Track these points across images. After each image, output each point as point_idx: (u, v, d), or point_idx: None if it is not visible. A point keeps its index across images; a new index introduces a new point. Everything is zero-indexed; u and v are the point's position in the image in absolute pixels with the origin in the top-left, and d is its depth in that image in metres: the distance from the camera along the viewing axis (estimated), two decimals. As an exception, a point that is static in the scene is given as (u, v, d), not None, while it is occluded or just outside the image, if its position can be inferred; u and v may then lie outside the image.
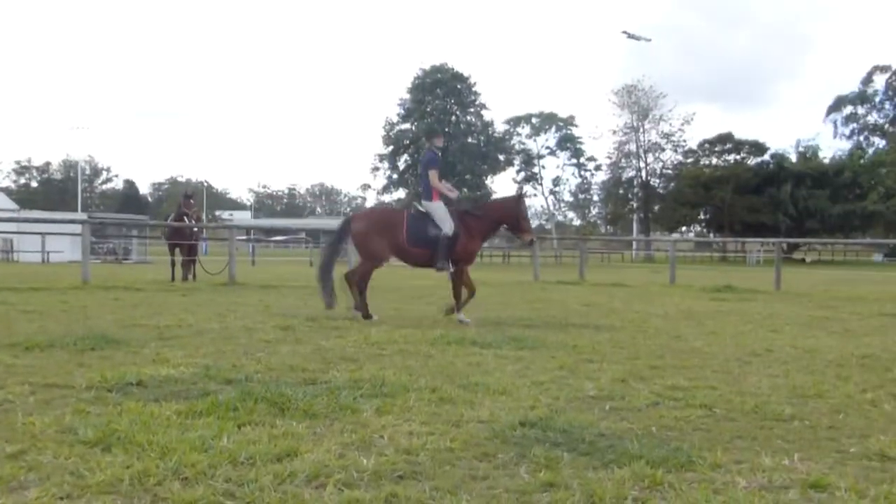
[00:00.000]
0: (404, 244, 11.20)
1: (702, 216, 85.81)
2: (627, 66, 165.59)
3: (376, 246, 11.28)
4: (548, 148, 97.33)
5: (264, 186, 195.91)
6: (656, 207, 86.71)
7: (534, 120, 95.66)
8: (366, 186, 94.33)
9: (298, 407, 5.05)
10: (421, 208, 11.38)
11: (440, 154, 11.91)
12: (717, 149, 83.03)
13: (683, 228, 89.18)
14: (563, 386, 6.21)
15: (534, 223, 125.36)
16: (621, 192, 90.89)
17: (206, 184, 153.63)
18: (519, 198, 11.66)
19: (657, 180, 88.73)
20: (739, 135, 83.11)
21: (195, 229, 22.57)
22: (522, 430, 4.69)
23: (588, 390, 6.04)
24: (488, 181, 79.75)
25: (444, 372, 6.76)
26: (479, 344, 8.58)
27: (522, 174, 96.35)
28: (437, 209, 11.17)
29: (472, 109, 78.33)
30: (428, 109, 75.29)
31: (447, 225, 11.03)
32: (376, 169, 79.24)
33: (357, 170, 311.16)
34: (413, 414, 5.07)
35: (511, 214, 11.42)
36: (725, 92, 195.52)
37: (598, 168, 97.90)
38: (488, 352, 8.08)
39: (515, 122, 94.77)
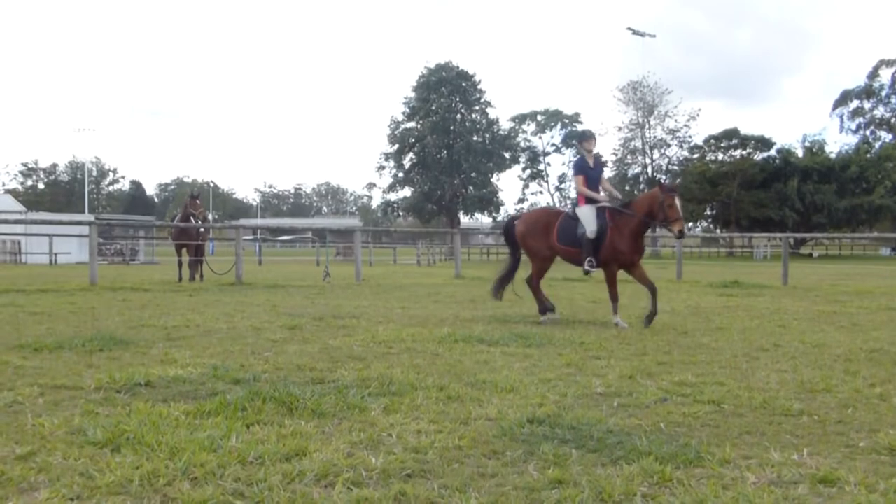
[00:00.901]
0: (555, 243, 11.31)
1: (708, 212, 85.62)
2: (632, 63, 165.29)
3: (536, 245, 11.52)
4: (553, 145, 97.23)
5: (270, 186, 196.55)
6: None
7: (539, 117, 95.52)
8: (371, 185, 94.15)
9: (307, 406, 5.06)
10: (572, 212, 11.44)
11: (595, 156, 11.52)
12: (722, 144, 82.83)
13: (690, 224, 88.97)
14: (571, 383, 6.20)
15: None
16: (627, 188, 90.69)
17: (212, 184, 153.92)
18: (661, 188, 10.87)
19: (663, 176, 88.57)
20: (745, 130, 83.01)
21: (202, 230, 22.60)
22: (530, 427, 4.69)
23: (596, 387, 6.03)
24: (494, 179, 79.80)
25: (451, 370, 6.76)
26: (487, 342, 8.58)
27: (528, 171, 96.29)
28: (583, 212, 11.10)
29: (477, 107, 78.31)
30: (433, 108, 75.27)
31: (591, 226, 10.94)
32: (382, 167, 79.29)
33: (363, 169, 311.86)
34: (421, 412, 5.07)
35: (657, 207, 10.79)
36: (730, 87, 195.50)
37: (603, 164, 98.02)
38: (496, 349, 8.07)
39: (520, 119, 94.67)
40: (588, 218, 11.02)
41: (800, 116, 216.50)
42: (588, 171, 11.28)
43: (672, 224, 10.58)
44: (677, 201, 10.48)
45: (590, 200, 11.13)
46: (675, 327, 10.47)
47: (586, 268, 11.03)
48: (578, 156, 11.72)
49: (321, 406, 5.07)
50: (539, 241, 11.49)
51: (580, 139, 11.82)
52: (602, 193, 11.35)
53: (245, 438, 4.32)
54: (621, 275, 11.24)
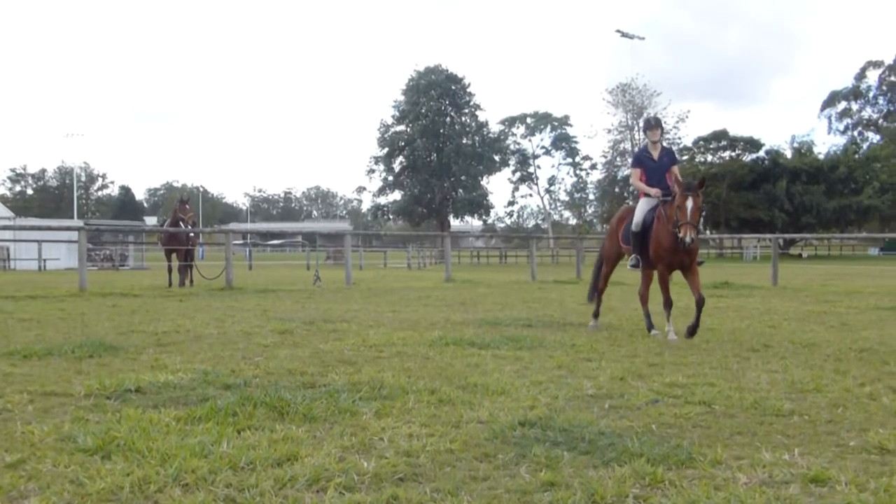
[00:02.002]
0: (620, 242, 10.65)
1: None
2: (621, 65, 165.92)
3: (609, 245, 10.97)
4: (543, 148, 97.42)
5: (260, 190, 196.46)
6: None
7: (528, 120, 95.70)
8: (361, 189, 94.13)
9: (298, 411, 5.05)
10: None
11: (663, 147, 10.33)
12: (711, 146, 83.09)
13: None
14: (562, 385, 6.21)
15: (529, 223, 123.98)
16: (617, 190, 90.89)
17: (201, 189, 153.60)
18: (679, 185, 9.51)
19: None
20: (734, 131, 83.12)
21: (191, 234, 22.54)
22: (522, 429, 4.69)
23: (587, 389, 6.04)
24: (484, 182, 79.74)
25: (442, 373, 6.76)
26: (478, 345, 8.58)
27: (518, 174, 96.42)
28: (637, 206, 10.27)
29: (466, 110, 78.29)
30: (422, 111, 75.21)
31: (637, 217, 10.11)
32: (371, 171, 79.12)
33: (353, 173, 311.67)
34: (412, 416, 5.07)
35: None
36: (719, 89, 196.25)
37: (593, 167, 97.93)
38: (486, 352, 8.08)
39: (510, 122, 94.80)
40: (638, 211, 10.17)
41: (788, 118, 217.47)
42: (647, 162, 10.20)
43: (679, 228, 9.21)
44: (690, 202, 9.17)
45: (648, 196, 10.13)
46: (666, 328, 10.48)
47: (630, 264, 10.25)
48: (640, 147, 10.74)
49: (312, 410, 5.06)
50: (611, 241, 10.89)
51: (644, 128, 10.71)
52: (655, 190, 9.98)
53: (236, 444, 4.30)
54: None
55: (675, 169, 10.14)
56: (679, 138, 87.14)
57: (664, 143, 10.43)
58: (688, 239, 9.06)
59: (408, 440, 4.46)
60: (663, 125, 10.67)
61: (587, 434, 4.58)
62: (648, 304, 10.60)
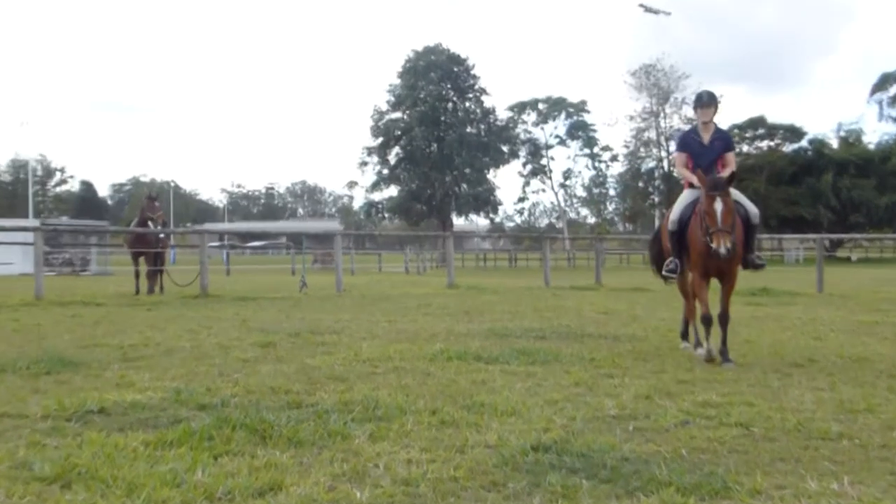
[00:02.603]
0: (665, 241, 9.85)
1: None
2: (645, 45, 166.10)
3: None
4: (557, 137, 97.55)
5: (239, 186, 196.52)
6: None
7: (540, 106, 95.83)
8: (353, 184, 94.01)
9: (282, 434, 5.04)
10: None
11: (716, 129, 9.55)
12: (748, 134, 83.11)
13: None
14: (580, 405, 6.20)
15: (542, 222, 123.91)
16: (640, 185, 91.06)
17: (172, 184, 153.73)
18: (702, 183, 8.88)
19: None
20: (773, 118, 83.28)
21: (161, 235, 22.55)
22: (535, 455, 4.68)
23: (608, 409, 6.03)
24: (490, 175, 79.79)
25: (445, 391, 6.75)
26: (484, 359, 8.57)
27: (529, 167, 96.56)
28: (678, 200, 9.68)
29: (470, 95, 78.36)
30: (421, 96, 75.31)
31: (673, 214, 9.50)
32: (364, 164, 79.21)
33: (343, 166, 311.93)
34: (411, 439, 5.06)
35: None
36: (755, 71, 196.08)
37: (613, 159, 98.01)
38: (494, 367, 8.07)
39: (520, 108, 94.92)
40: (676, 205, 9.57)
41: (834, 103, 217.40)
42: (694, 147, 9.53)
43: (710, 236, 8.49)
44: (719, 205, 8.43)
45: (693, 186, 9.33)
46: (697, 341, 10.47)
47: (664, 273, 9.66)
48: (687, 129, 10.03)
49: (298, 434, 5.06)
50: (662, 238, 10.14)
51: (694, 104, 9.82)
52: (699, 175, 9.10)
53: (212, 471, 4.30)
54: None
55: (731, 156, 9.54)
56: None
57: (718, 125, 9.63)
58: (722, 250, 8.27)
59: (406, 467, 4.45)
60: (718, 102, 9.70)
61: (609, 460, 4.57)
62: (694, 317, 9.70)
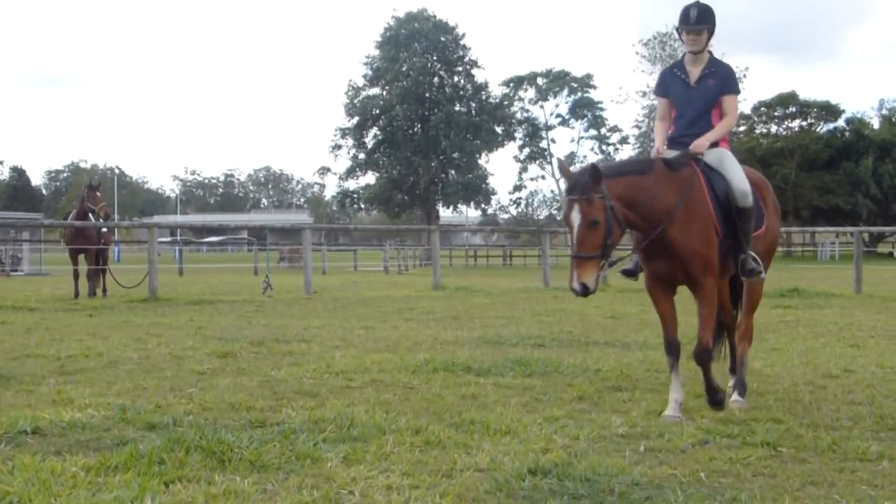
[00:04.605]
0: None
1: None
2: (658, 10, 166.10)
3: None
4: (559, 116, 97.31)
5: (193, 173, 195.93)
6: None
7: (540, 81, 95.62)
8: (324, 170, 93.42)
9: (243, 457, 5.05)
10: None
11: (710, 60, 7.62)
12: (776, 113, 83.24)
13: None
14: (584, 422, 6.22)
15: (541, 213, 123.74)
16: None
17: (117, 171, 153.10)
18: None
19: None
20: (804, 94, 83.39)
21: (104, 230, 22.47)
22: (533, 479, 4.70)
23: (616, 427, 6.05)
24: (482, 160, 79.75)
25: (429, 408, 6.76)
26: (475, 370, 8.59)
27: (526, 150, 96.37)
28: None
29: (459, 68, 78.29)
30: (403, 69, 75.16)
31: None
32: (337, 147, 79.01)
33: (313, 149, 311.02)
34: (391, 462, 5.07)
35: None
36: (784, 40, 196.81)
37: (623, 141, 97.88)
38: (486, 380, 8.09)
39: (517, 83, 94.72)
40: None
41: (874, 77, 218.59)
42: (677, 89, 7.70)
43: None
44: (576, 218, 6.49)
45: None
46: (718, 349, 10.52)
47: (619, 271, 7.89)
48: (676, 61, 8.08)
49: (262, 457, 5.06)
50: None
51: (679, 23, 7.60)
52: (658, 144, 7.65)
53: (163, 500, 4.30)
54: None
55: (731, 102, 7.61)
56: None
57: (713, 55, 7.72)
58: (575, 285, 6.44)
59: (385, 494, 4.47)
60: (714, 21, 7.55)
61: (616, 485, 4.59)
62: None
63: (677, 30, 7.67)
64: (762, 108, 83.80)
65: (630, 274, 7.55)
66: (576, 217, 6.45)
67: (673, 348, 7.01)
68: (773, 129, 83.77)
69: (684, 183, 6.89)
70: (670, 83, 7.73)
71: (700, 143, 7.24)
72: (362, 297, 21.39)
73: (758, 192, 7.51)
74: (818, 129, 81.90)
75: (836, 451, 5.41)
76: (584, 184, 6.47)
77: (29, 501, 4.24)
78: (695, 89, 7.52)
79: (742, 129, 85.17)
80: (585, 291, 6.38)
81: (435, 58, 77.13)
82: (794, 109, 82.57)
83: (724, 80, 7.52)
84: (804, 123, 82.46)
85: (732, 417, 6.38)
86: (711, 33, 7.50)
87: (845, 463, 5.15)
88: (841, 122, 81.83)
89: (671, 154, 7.32)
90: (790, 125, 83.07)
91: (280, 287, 24.02)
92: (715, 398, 6.82)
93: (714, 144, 7.37)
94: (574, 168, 6.77)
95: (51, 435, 5.76)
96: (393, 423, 6.05)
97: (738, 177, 7.20)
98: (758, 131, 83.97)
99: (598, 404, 6.94)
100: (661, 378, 8.27)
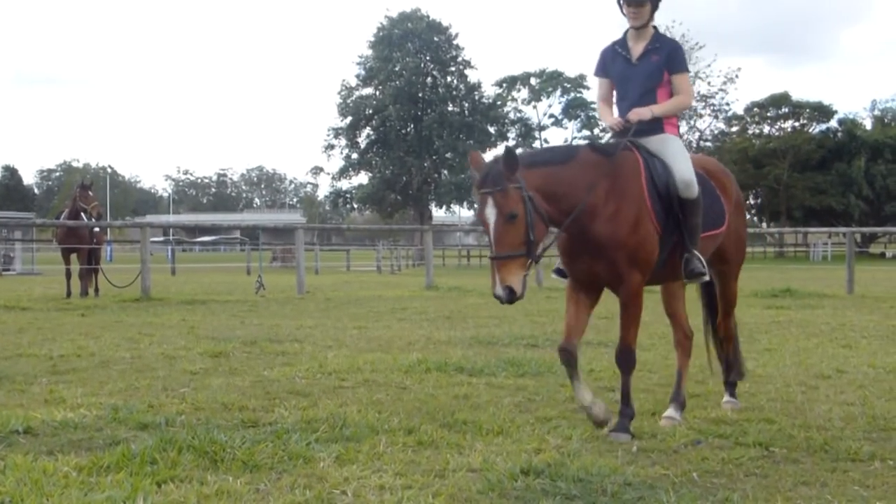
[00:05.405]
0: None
1: (751, 200, 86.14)
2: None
3: None
4: (552, 117, 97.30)
5: (186, 173, 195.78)
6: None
7: (533, 81, 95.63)
8: (317, 170, 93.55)
9: (235, 457, 5.04)
10: None
11: (649, 35, 7.04)
12: (769, 114, 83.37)
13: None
14: (577, 422, 6.22)
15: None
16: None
17: (109, 170, 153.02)
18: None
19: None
20: (797, 95, 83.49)
21: (96, 229, 22.44)
22: (525, 479, 4.70)
23: (609, 427, 6.05)
24: (476, 160, 79.63)
25: (422, 408, 6.76)
26: (468, 371, 8.58)
27: (520, 150, 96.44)
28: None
29: (453, 69, 78.30)
30: (396, 69, 75.15)
31: None
32: (330, 147, 78.98)
33: (306, 149, 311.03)
34: (384, 463, 5.07)
35: None
36: (776, 41, 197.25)
37: (674, 57, 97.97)
38: (479, 380, 8.09)
39: (509, 83, 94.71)
40: None
41: (866, 78, 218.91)
42: (618, 68, 7.10)
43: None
44: (491, 214, 5.92)
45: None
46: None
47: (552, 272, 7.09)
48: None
49: (254, 457, 5.06)
50: None
51: None
52: (612, 119, 7.05)
53: (156, 500, 4.30)
54: None
55: (681, 82, 6.98)
56: (727, 104, 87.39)
57: (658, 29, 7.14)
58: (498, 291, 5.80)
59: (378, 494, 4.47)
60: None
61: (609, 485, 4.59)
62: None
63: (618, 3, 6.99)
64: (755, 109, 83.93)
65: (563, 274, 6.75)
66: (490, 212, 5.84)
67: (570, 357, 6.13)
68: (766, 129, 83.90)
69: (615, 171, 6.29)
70: (611, 61, 7.10)
71: (641, 111, 6.64)
72: (355, 296, 21.40)
73: (717, 185, 7.01)
74: (811, 130, 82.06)
75: (829, 451, 5.41)
76: (498, 173, 5.88)
77: (21, 501, 4.23)
78: (636, 66, 6.91)
79: (734, 129, 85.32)
80: (511, 296, 5.72)
81: (428, 58, 77.12)
82: (786, 110, 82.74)
83: (668, 56, 6.91)
84: (797, 124, 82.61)
85: (725, 418, 6.38)
86: (655, 7, 6.87)
87: (837, 463, 5.15)
88: (833, 123, 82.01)
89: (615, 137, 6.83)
90: (783, 126, 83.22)
91: (273, 287, 24.01)
92: (606, 413, 6.03)
93: (660, 128, 6.78)
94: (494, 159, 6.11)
95: (43, 435, 5.75)
96: (385, 423, 6.06)
97: (682, 165, 6.55)
98: (750, 132, 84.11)
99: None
100: (654, 378, 8.30)
